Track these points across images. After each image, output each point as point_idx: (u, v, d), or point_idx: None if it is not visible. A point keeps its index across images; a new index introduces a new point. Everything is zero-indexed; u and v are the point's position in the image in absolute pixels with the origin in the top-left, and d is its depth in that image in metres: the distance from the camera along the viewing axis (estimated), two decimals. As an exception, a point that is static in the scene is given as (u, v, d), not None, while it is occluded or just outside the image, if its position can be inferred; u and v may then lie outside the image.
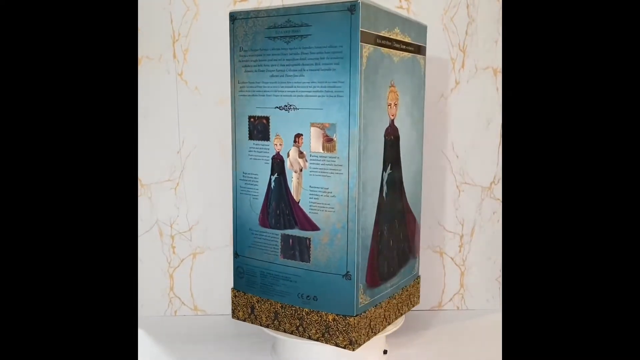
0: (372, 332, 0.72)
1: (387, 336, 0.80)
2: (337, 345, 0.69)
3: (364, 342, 0.70)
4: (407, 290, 0.80)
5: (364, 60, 0.65)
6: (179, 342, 0.85)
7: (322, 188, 0.68)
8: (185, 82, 0.91)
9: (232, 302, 0.78)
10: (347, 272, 0.68)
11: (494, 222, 0.98)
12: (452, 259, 0.98)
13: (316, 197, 0.69)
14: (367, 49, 0.65)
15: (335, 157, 0.67)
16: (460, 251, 0.98)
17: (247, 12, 0.71)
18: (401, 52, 0.72)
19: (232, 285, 0.81)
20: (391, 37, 0.70)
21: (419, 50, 0.77)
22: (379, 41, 0.67)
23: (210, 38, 0.89)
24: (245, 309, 0.77)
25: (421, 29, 0.78)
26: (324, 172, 0.68)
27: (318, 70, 0.67)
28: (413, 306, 0.83)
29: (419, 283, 0.85)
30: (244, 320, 0.78)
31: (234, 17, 0.73)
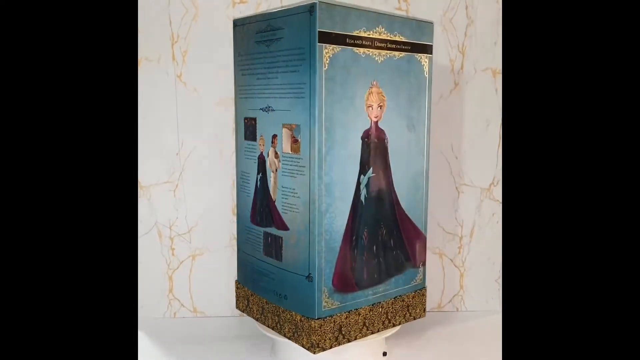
0: (344, 338, 0.71)
1: (386, 338, 0.80)
2: (302, 346, 0.70)
3: (331, 347, 0.70)
4: (402, 301, 0.78)
5: (326, 61, 0.65)
6: (178, 343, 0.85)
7: (290, 189, 0.69)
8: (184, 84, 0.91)
9: (235, 293, 0.82)
10: (309, 274, 0.68)
11: (494, 223, 0.98)
12: (451, 260, 0.98)
13: (286, 197, 0.70)
14: (329, 50, 0.65)
15: (299, 158, 0.67)
16: (459, 252, 0.98)
17: (244, 19, 0.74)
18: (388, 51, 0.70)
19: (231, 286, 0.82)
20: (371, 36, 0.68)
21: (419, 48, 0.74)
22: (350, 41, 0.66)
23: (209, 39, 0.89)
24: (244, 300, 0.81)
25: (422, 27, 0.75)
26: (291, 173, 0.69)
27: (287, 72, 0.68)
28: (414, 318, 0.80)
29: (423, 295, 0.81)
30: (243, 312, 0.81)
31: (235, 24, 0.76)
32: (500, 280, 0.99)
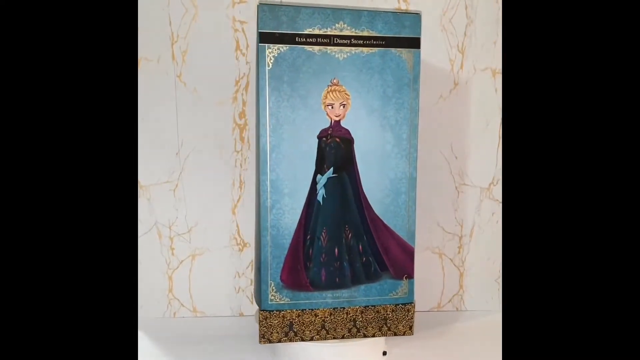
0: (296, 335, 0.72)
1: (386, 337, 0.80)
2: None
3: (280, 341, 0.72)
4: (377, 312, 0.75)
5: (270, 60, 0.66)
6: (178, 343, 0.85)
7: (256, 183, 0.74)
8: (183, 84, 0.91)
9: None
10: (259, 266, 0.70)
11: (493, 223, 0.98)
12: (451, 260, 0.98)
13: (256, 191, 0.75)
14: (273, 50, 0.66)
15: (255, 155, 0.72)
16: (459, 252, 0.98)
17: None
18: (353, 47, 0.69)
19: (231, 286, 0.82)
20: (328, 33, 0.68)
21: (399, 42, 0.70)
22: (301, 40, 0.67)
23: (209, 39, 0.89)
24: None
25: (402, 20, 0.70)
26: (256, 169, 0.73)
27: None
28: (394, 334, 0.76)
29: (409, 311, 0.76)
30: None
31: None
32: (500, 280, 0.99)
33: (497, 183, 0.97)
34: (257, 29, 0.67)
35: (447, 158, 0.96)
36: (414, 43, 0.71)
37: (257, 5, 0.66)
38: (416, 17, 0.71)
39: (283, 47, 0.67)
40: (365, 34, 0.69)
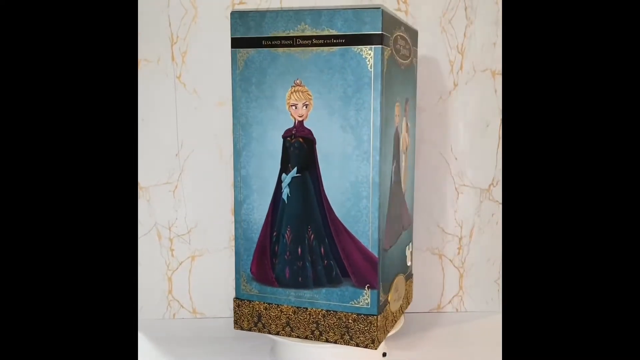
0: (264, 327, 0.75)
1: (385, 339, 0.80)
2: None
3: (250, 330, 0.75)
4: (338, 318, 0.71)
5: (240, 64, 0.70)
6: (178, 345, 0.85)
7: None
8: (183, 85, 0.91)
9: None
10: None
11: (493, 224, 0.98)
12: (451, 261, 0.98)
13: None
14: (243, 54, 0.70)
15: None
16: (459, 253, 0.98)
17: None
18: (315, 47, 0.68)
19: (230, 287, 0.82)
20: (291, 35, 0.68)
21: (359, 40, 0.66)
22: (266, 43, 0.69)
23: (209, 40, 0.89)
24: None
25: (362, 16, 0.66)
26: None
27: None
28: (357, 345, 0.71)
29: (371, 324, 0.70)
30: None
31: None
32: (500, 281, 0.99)
33: (497, 184, 0.97)
34: (230, 35, 0.70)
35: (447, 159, 0.96)
36: (375, 40, 0.66)
37: (230, 13, 0.70)
38: (376, 12, 0.65)
39: (251, 51, 0.70)
40: (325, 33, 0.68)
